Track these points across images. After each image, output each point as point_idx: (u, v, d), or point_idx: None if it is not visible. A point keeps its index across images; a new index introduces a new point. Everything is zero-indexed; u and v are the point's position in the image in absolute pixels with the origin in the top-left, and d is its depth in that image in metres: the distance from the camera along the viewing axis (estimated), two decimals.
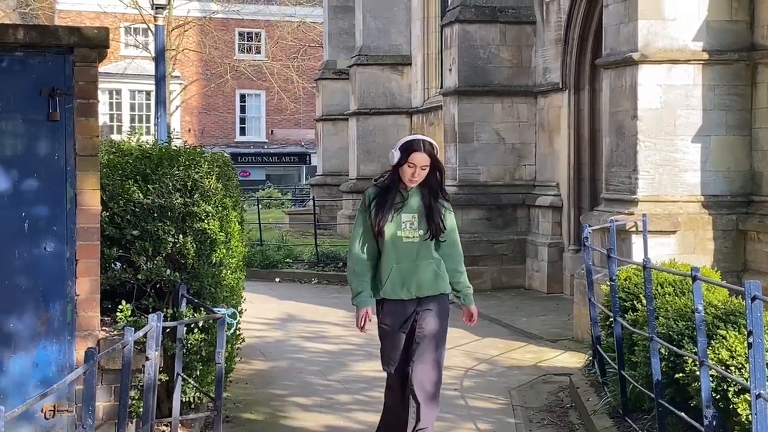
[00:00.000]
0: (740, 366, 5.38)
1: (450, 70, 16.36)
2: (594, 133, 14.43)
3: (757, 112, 10.70)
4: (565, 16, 14.85)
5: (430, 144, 6.07)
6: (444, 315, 6.14)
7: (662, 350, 6.33)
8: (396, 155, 6.02)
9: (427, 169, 6.01)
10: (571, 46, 14.78)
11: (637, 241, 10.33)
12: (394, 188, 6.06)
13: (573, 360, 10.07)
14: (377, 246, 6.09)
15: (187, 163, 7.29)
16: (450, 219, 6.17)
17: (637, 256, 9.82)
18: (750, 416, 4.72)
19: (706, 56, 10.67)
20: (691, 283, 5.73)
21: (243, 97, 47.68)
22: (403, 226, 6.02)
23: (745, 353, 5.25)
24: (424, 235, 6.05)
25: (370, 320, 6.14)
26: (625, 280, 8.26)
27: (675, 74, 10.69)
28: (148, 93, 42.51)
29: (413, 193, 6.08)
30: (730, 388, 5.35)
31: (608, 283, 7.83)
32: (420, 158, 5.98)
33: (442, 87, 18.09)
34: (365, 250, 6.09)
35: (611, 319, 7.70)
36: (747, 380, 4.90)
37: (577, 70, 14.72)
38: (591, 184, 14.58)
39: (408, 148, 6.00)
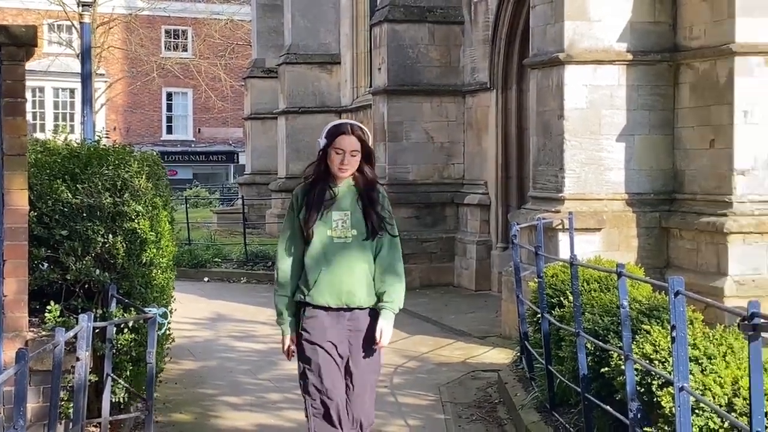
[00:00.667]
0: (664, 360, 5.51)
1: (379, 69, 16.43)
2: (521, 132, 14.61)
3: (679, 111, 10.95)
4: (492, 17, 15.02)
5: (360, 128, 5.43)
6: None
7: (588, 345, 6.46)
8: (322, 142, 5.38)
9: (358, 156, 5.35)
10: (498, 46, 14.94)
11: (563, 238, 10.49)
12: (322, 183, 5.36)
13: (501, 356, 10.20)
14: (304, 248, 5.38)
15: (117, 162, 7.23)
16: (389, 212, 5.45)
17: (564, 253, 9.99)
18: (673, 409, 4.85)
19: (630, 57, 10.89)
20: (616, 279, 5.86)
21: (170, 96, 47.21)
22: (334, 224, 5.31)
23: (669, 347, 5.38)
24: (359, 235, 5.33)
25: (293, 354, 5.44)
26: (552, 277, 8.40)
27: (600, 74, 10.88)
28: (72, 91, 41.89)
29: (345, 187, 5.39)
30: (654, 382, 5.48)
31: (536, 280, 7.96)
32: (348, 142, 5.30)
33: (371, 86, 18.18)
34: (292, 256, 5.38)
35: (539, 316, 7.83)
36: (670, 373, 5.03)
37: (505, 69, 14.90)
38: (518, 183, 14.76)
39: (334, 132, 5.35)
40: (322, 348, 5.30)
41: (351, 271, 5.30)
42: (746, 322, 3.67)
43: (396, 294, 5.37)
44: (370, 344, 5.33)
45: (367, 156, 5.42)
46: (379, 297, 5.36)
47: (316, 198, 5.33)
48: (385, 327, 5.33)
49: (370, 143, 5.51)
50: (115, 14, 36.63)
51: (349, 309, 5.32)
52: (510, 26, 14.63)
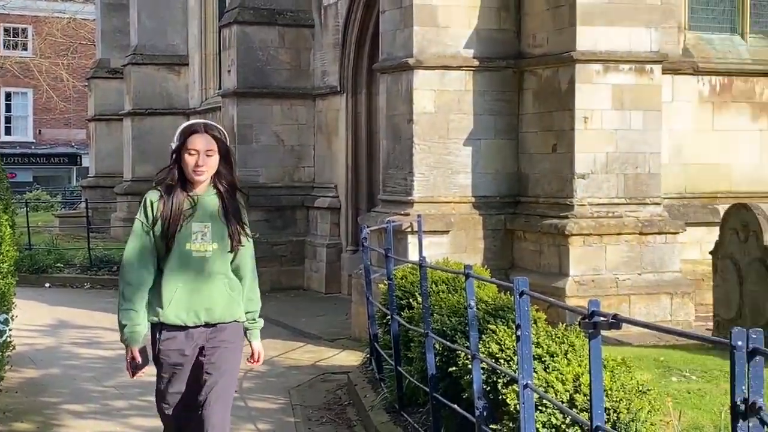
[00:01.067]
0: (509, 358, 5.64)
1: (229, 71, 16.27)
2: (371, 136, 14.72)
3: (523, 117, 11.24)
4: (342, 21, 15.08)
5: (214, 126, 5.04)
6: (239, 348, 5.09)
7: (437, 345, 6.55)
8: (174, 145, 4.94)
9: (215, 156, 4.89)
10: (349, 50, 15.02)
11: (413, 240, 10.62)
12: (178, 190, 4.91)
13: (351, 358, 10.24)
14: (158, 263, 4.94)
15: None
16: (247, 225, 5.10)
17: (414, 255, 10.11)
18: (518, 406, 4.96)
19: (476, 63, 11.11)
20: (463, 280, 5.97)
21: (8, 96, 45.51)
22: (194, 237, 4.88)
23: (514, 346, 5.51)
24: (220, 248, 4.94)
25: (140, 368, 5.00)
26: (402, 279, 8.49)
27: (448, 80, 11.07)
28: None
29: (205, 195, 4.96)
30: (499, 380, 5.60)
31: (386, 281, 8.02)
32: (202, 141, 4.86)
33: (221, 88, 17.97)
34: (142, 269, 4.89)
35: (389, 317, 7.90)
36: (515, 372, 5.15)
37: (355, 73, 14.98)
38: (368, 186, 14.86)
39: (186, 132, 4.92)
40: (179, 367, 4.99)
41: (210, 287, 4.93)
42: (587, 320, 3.78)
43: (258, 307, 5.17)
44: (230, 359, 5.01)
45: (225, 155, 4.96)
46: (246, 313, 5.09)
47: (173, 207, 4.87)
48: (260, 347, 5.20)
49: (228, 142, 5.07)
50: None
51: (209, 325, 4.96)
52: (360, 30, 14.72)
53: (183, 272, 4.89)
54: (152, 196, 4.95)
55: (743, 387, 2.88)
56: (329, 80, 15.58)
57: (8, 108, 45.81)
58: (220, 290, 4.95)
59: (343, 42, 15.11)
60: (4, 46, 44.53)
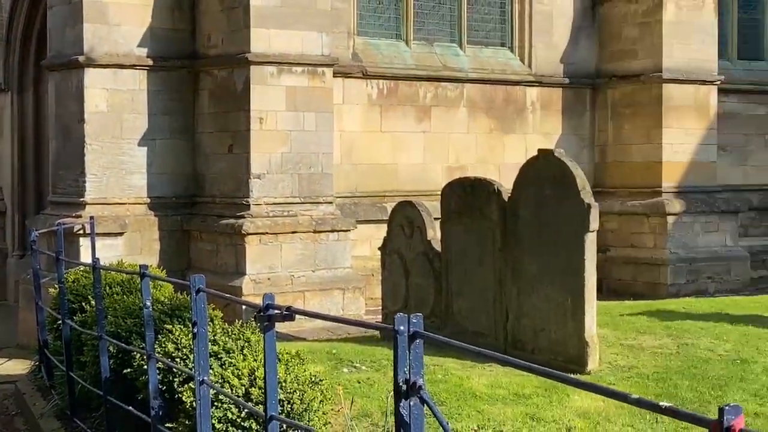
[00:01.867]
0: (185, 357, 5.64)
1: None
2: (39, 136, 14.11)
3: (199, 117, 11.23)
4: (7, 15, 14.36)
5: None
6: None
7: (111, 348, 6.42)
8: None
9: None
10: (14, 46, 14.34)
11: (85, 243, 10.32)
12: None
13: (19, 367, 9.79)
14: None
15: None
16: None
17: (86, 258, 9.82)
18: (194, 403, 4.97)
19: (150, 62, 10.97)
20: (139, 281, 5.89)
21: None
22: None
23: (190, 344, 5.51)
24: None
25: None
26: (74, 282, 8.23)
27: (121, 78, 10.84)
28: None
29: None
30: (175, 379, 5.58)
31: (57, 286, 7.75)
32: None
33: None
34: None
35: (60, 322, 7.64)
36: (192, 369, 5.15)
37: (21, 71, 14.33)
38: (36, 188, 14.25)
39: None
40: None
41: None
42: (262, 313, 3.87)
43: None
44: None
45: None
46: None
47: None
48: None
49: None
50: None
51: None
52: (26, 26, 14.09)
53: None
54: None
55: (405, 368, 3.07)
56: None
57: None
58: None
59: (8, 38, 14.39)
60: None
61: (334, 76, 11.15)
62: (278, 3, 10.55)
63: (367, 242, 11.79)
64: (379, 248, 9.77)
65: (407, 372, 3.06)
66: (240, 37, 10.56)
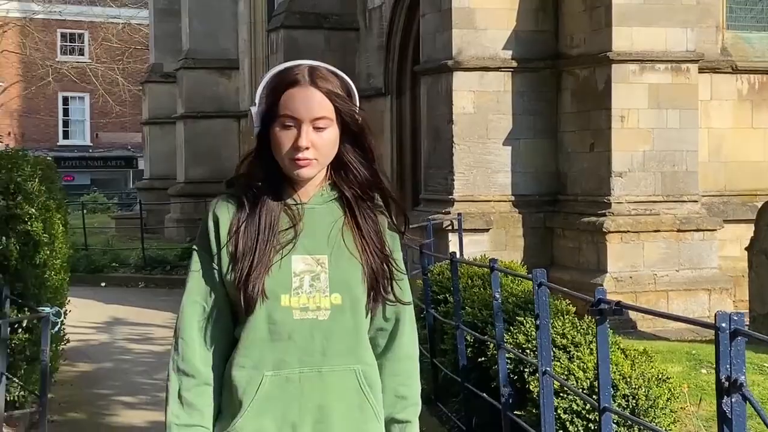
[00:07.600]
0: (535, 348, 5.87)
1: None
2: (415, 138, 14.97)
3: (561, 116, 11.44)
4: (386, 24, 15.37)
5: (328, 71, 2.60)
6: None
7: (468, 337, 6.80)
8: (255, 110, 2.57)
9: (332, 129, 2.54)
10: (393, 53, 15.30)
11: (453, 239, 10.87)
12: (269, 196, 2.56)
13: None
14: (234, 322, 2.57)
15: (9, 166, 7.33)
16: (401, 262, 2.69)
17: (456, 253, 10.33)
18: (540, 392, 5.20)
19: (515, 64, 11.34)
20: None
21: (66, 100, 46.44)
22: (296, 283, 2.51)
23: None
24: (346, 303, 2.54)
25: None
26: (439, 274, 8.73)
27: (487, 81, 11.30)
28: None
29: (317, 203, 2.60)
30: (526, 369, 5.84)
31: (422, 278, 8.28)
32: (306, 99, 2.51)
33: None
34: (207, 330, 2.55)
35: (424, 312, 8.15)
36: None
37: (399, 75, 15.26)
38: (413, 186, 15.11)
39: (278, 84, 2.56)
40: None
41: (326, 379, 2.52)
42: (594, 307, 4.02)
43: (416, 413, 2.77)
44: None
45: (354, 129, 2.61)
46: (391, 420, 2.70)
47: (259, 229, 2.52)
48: None
49: (357, 103, 2.63)
50: (9, 18, 36.03)
51: None
52: (404, 33, 15.00)
53: (277, 347, 2.51)
54: (220, 206, 2.57)
55: (726, 366, 3.11)
56: (374, 82, 15.87)
57: (66, 112, 46.75)
58: (343, 384, 2.55)
59: (387, 45, 15.39)
60: (61, 51, 45.48)
61: (700, 72, 10.92)
62: (641, 0, 10.51)
63: (736, 242, 11.40)
64: (746, 248, 9.48)
65: (729, 369, 3.10)
66: (601, 36, 10.64)
